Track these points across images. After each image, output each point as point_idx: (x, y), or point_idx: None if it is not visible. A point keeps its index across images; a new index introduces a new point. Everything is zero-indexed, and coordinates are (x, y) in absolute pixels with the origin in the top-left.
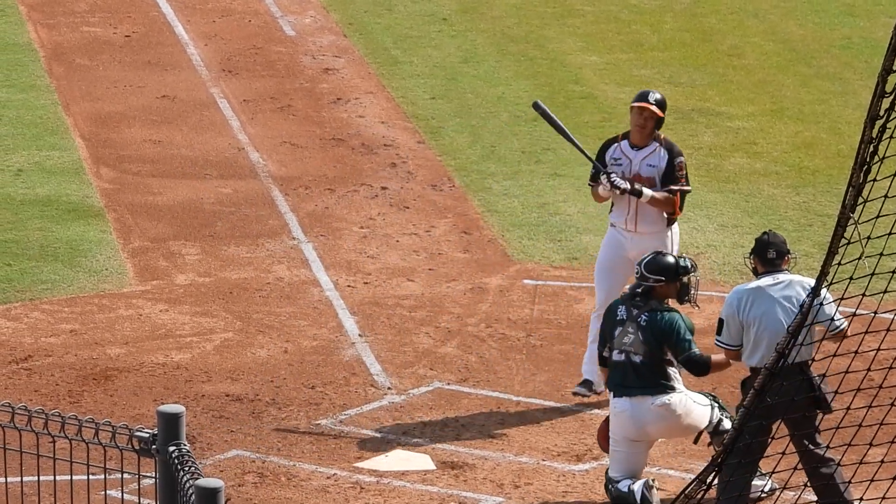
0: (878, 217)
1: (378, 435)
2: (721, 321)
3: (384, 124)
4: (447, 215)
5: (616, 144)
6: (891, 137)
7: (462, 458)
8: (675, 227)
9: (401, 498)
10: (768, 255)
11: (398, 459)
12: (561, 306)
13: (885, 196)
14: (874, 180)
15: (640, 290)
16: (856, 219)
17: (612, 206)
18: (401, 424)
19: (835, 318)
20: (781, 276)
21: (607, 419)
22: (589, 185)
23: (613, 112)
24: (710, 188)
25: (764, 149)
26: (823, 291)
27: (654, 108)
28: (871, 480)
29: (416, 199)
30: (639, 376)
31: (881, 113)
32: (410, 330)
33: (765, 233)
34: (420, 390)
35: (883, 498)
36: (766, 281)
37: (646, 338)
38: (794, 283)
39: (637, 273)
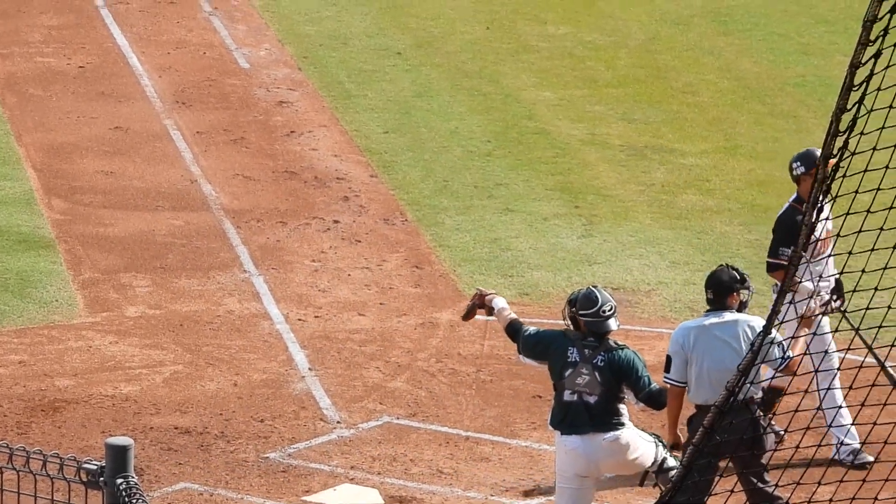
0: (829, 256)
1: (327, 469)
2: (669, 358)
3: (337, 158)
4: (399, 249)
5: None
6: (844, 176)
7: (410, 493)
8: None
9: None
10: (707, 294)
11: (346, 493)
12: (511, 342)
13: (838, 235)
14: (827, 219)
15: (595, 332)
16: (808, 258)
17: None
18: (350, 458)
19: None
20: (727, 315)
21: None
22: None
23: (567, 148)
24: (662, 225)
25: (717, 186)
26: (774, 330)
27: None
28: None
29: (368, 232)
30: (591, 416)
31: (834, 151)
32: (360, 364)
33: (721, 267)
34: (369, 424)
35: None
36: (710, 319)
37: (604, 378)
38: (739, 321)
39: (596, 316)
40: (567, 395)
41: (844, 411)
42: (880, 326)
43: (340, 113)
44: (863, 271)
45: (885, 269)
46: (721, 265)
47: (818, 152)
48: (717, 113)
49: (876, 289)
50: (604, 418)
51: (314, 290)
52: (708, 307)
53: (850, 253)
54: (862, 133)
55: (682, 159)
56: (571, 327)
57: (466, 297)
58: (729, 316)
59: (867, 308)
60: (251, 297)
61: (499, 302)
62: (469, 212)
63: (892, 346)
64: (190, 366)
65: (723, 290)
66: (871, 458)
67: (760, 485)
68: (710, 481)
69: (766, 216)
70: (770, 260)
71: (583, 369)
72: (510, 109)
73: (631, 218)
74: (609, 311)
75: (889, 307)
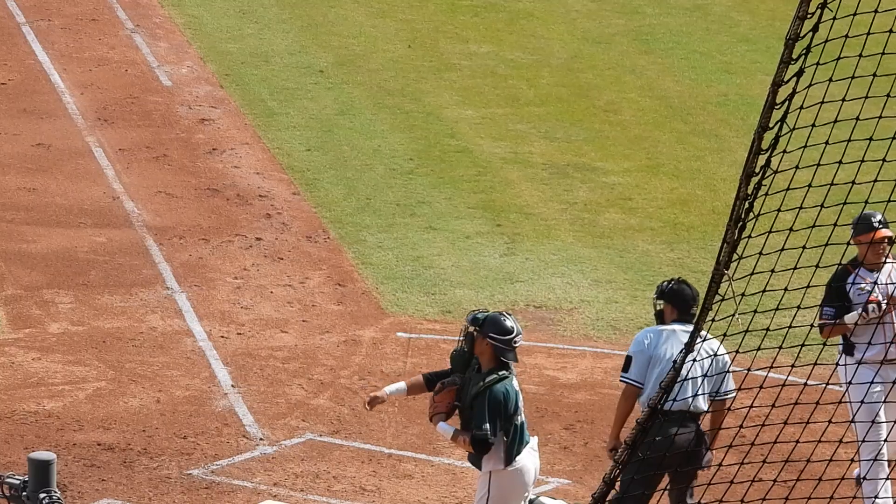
0: (752, 274)
1: (249, 485)
2: (629, 358)
3: (259, 175)
4: (321, 267)
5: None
6: (766, 195)
7: None
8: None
9: None
10: (666, 307)
11: None
12: (434, 359)
13: (760, 253)
14: (749, 237)
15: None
16: (730, 275)
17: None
18: (272, 475)
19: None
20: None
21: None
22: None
23: (489, 166)
24: (584, 243)
25: (639, 204)
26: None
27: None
28: None
29: (290, 250)
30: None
31: (757, 170)
32: (283, 381)
33: (684, 282)
34: (292, 441)
35: None
36: (679, 327)
37: None
38: (707, 339)
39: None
40: (521, 419)
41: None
42: (802, 345)
43: (263, 131)
44: (785, 290)
45: (807, 287)
46: (678, 279)
47: (877, 217)
48: (639, 131)
49: (798, 307)
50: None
51: (237, 307)
52: (676, 317)
53: (772, 271)
54: (784, 151)
55: (604, 178)
56: (466, 345)
57: (390, 315)
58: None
59: (790, 326)
60: (174, 314)
61: (391, 388)
62: (391, 230)
63: (815, 364)
64: (113, 382)
65: (690, 302)
66: None
67: (689, 501)
68: (649, 495)
69: (689, 234)
70: (819, 323)
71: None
72: (432, 128)
73: (553, 236)
74: (519, 342)
75: (812, 325)
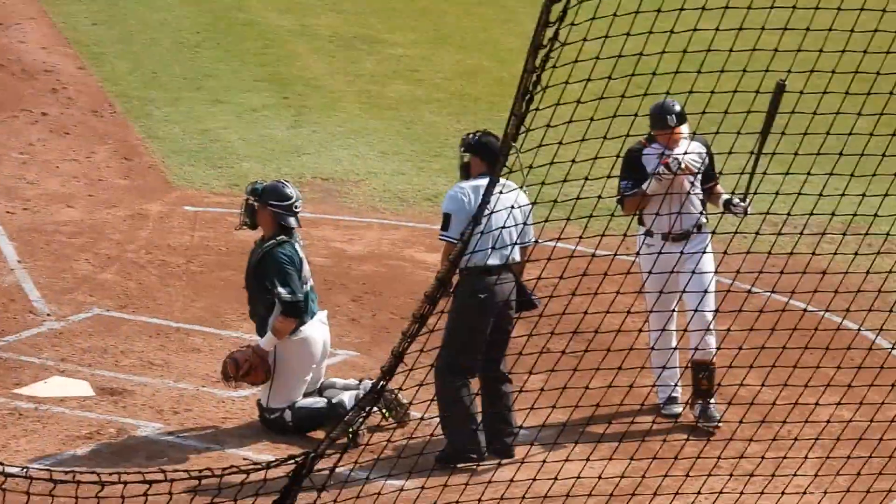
0: (540, 146)
1: (37, 361)
2: (448, 216)
3: (45, 50)
4: (108, 141)
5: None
6: (554, 67)
7: (121, 385)
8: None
9: (59, 424)
10: (473, 159)
11: (57, 386)
12: (221, 233)
13: (548, 125)
14: (537, 109)
15: (296, 219)
16: (518, 147)
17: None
18: (60, 351)
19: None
20: (506, 181)
21: (253, 350)
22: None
23: (275, 39)
24: (371, 115)
25: (426, 76)
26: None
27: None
28: (532, 408)
29: (76, 125)
30: (314, 298)
31: (545, 42)
32: (70, 256)
33: (491, 134)
34: (79, 317)
35: (543, 426)
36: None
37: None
38: (516, 189)
39: (297, 207)
40: (308, 287)
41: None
42: (591, 216)
43: (48, 5)
44: (573, 161)
45: (595, 158)
46: (484, 130)
47: (675, 109)
48: (425, 3)
49: (587, 178)
50: (316, 298)
51: (22, 182)
52: (482, 170)
53: (560, 143)
54: (573, 24)
55: (390, 50)
56: (247, 217)
57: (176, 189)
58: (507, 182)
59: (578, 197)
60: None
61: (265, 342)
62: (178, 103)
63: (602, 235)
64: None
65: (494, 155)
66: (679, 410)
67: (499, 355)
68: (478, 342)
69: (476, 106)
70: (617, 197)
71: (304, 257)
72: (219, 0)
73: (340, 108)
74: (300, 207)
75: (600, 196)
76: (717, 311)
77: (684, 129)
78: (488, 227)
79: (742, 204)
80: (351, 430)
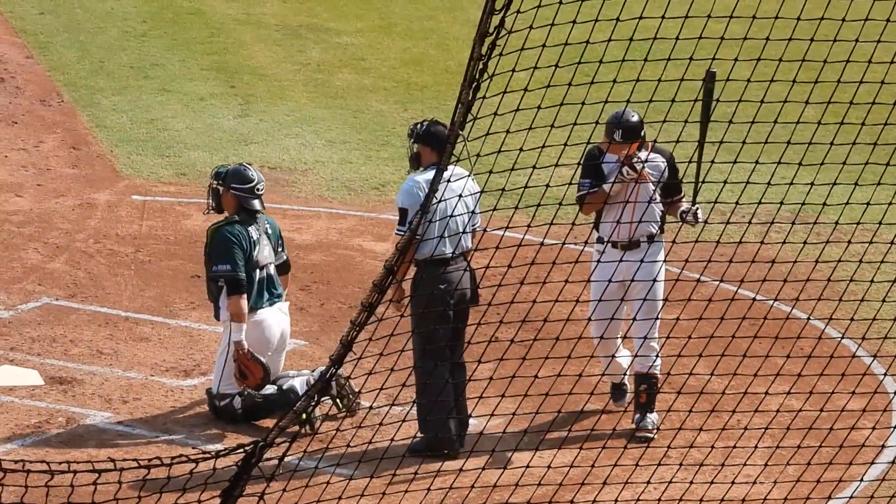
0: (487, 134)
1: None
2: (404, 210)
3: None
4: (56, 130)
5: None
6: (501, 55)
7: (71, 374)
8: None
9: (9, 413)
10: (422, 150)
11: (6, 375)
12: (170, 222)
13: (495, 114)
14: (484, 97)
15: (259, 202)
16: (465, 136)
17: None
18: (9, 340)
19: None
20: (456, 169)
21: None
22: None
23: (221, 28)
24: (318, 104)
25: (372, 65)
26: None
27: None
28: (481, 397)
29: (24, 114)
30: (275, 285)
31: (491, 30)
32: (18, 245)
33: (438, 122)
34: (28, 306)
35: (492, 415)
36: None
37: (274, 243)
38: (466, 176)
39: (259, 190)
40: (258, 274)
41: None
42: (539, 204)
43: None
44: (520, 149)
45: (542, 147)
46: (431, 119)
47: (631, 119)
48: None
49: (534, 167)
50: (279, 286)
51: None
52: (417, 164)
53: (507, 131)
54: (519, 11)
55: (337, 38)
56: (213, 201)
57: (124, 178)
58: (457, 169)
59: (526, 186)
60: None
61: (232, 334)
62: (125, 92)
63: (550, 223)
64: None
65: (444, 144)
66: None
67: (461, 344)
68: (445, 332)
69: (422, 94)
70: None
71: (263, 241)
72: None
73: (287, 97)
74: (262, 189)
75: (547, 185)
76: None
77: (636, 147)
78: (442, 216)
79: (693, 208)
80: (303, 417)
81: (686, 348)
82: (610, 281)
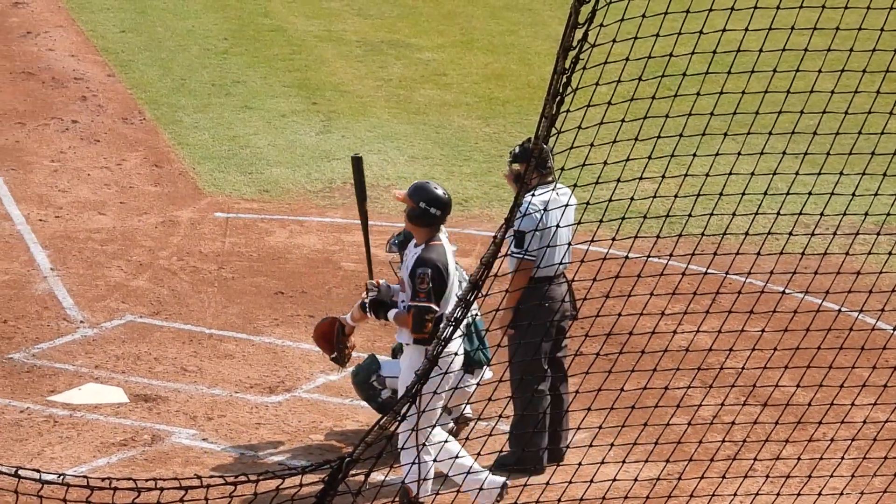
0: (571, 148)
1: (71, 368)
2: (522, 234)
3: (74, 58)
4: (138, 148)
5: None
6: (584, 69)
7: (155, 391)
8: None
9: (94, 431)
10: (525, 167)
11: (91, 393)
12: (252, 238)
13: (579, 127)
14: (567, 111)
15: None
16: (550, 150)
17: None
18: (93, 358)
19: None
20: (561, 188)
21: (332, 321)
22: None
23: (303, 45)
24: (400, 120)
25: (454, 80)
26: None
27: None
28: (566, 411)
29: (106, 132)
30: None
31: (574, 44)
32: (102, 263)
33: (531, 140)
34: (112, 323)
35: (578, 429)
36: (549, 191)
37: None
38: (568, 191)
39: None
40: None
41: None
42: (623, 218)
43: (76, 13)
44: (605, 163)
45: (626, 160)
46: (530, 139)
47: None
48: (452, 7)
49: (618, 181)
50: None
51: (54, 190)
52: (519, 184)
53: (591, 145)
54: (602, 25)
55: (418, 54)
56: (428, 222)
57: (207, 195)
58: (562, 188)
59: (610, 199)
60: None
61: (350, 317)
62: (207, 109)
63: (635, 237)
64: None
65: (549, 162)
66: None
67: (562, 356)
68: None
69: (504, 109)
70: None
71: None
72: (246, 7)
73: (369, 113)
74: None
75: (632, 198)
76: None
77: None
78: (555, 238)
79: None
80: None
81: (771, 361)
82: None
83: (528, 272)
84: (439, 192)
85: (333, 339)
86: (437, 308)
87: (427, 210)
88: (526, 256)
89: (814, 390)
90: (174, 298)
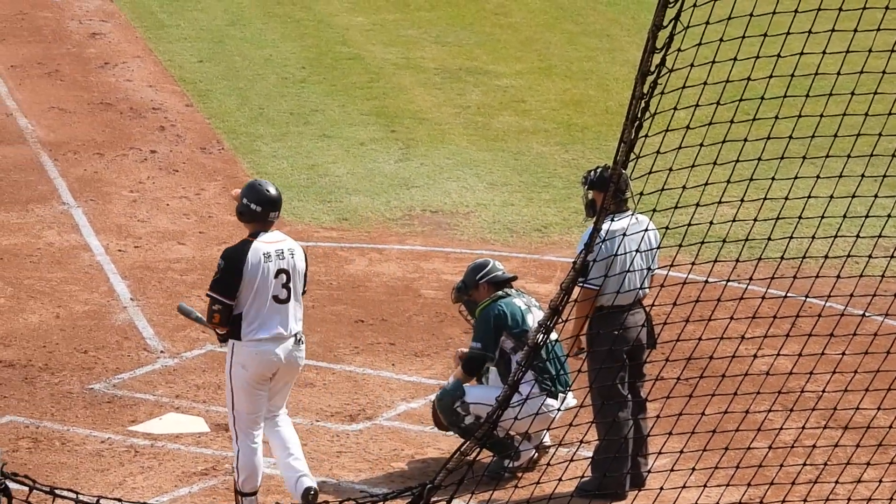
0: (650, 173)
1: (152, 398)
2: (590, 262)
3: (152, 88)
4: (217, 178)
5: None
6: (662, 93)
7: None
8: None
9: (175, 461)
10: (599, 197)
11: (172, 422)
12: (332, 267)
13: (657, 152)
14: (646, 136)
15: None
16: (628, 175)
17: None
18: (174, 388)
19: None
20: (639, 217)
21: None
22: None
23: (381, 73)
24: (478, 147)
25: (532, 106)
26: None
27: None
28: (647, 435)
29: (185, 162)
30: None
31: (652, 69)
32: (182, 293)
33: (608, 167)
34: (193, 353)
35: (659, 453)
36: (622, 220)
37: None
38: (647, 222)
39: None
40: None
41: None
42: (702, 242)
43: (154, 43)
44: (683, 188)
45: (705, 185)
46: (604, 166)
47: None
48: (529, 33)
49: (697, 205)
50: None
51: (133, 220)
52: (593, 211)
53: (670, 170)
54: (679, 50)
55: (496, 81)
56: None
57: (286, 224)
58: (639, 217)
59: (689, 224)
60: (70, 229)
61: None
62: (285, 138)
63: (714, 261)
64: (11, 299)
65: (624, 189)
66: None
67: (639, 384)
68: (621, 377)
69: (583, 135)
70: None
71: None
72: (323, 35)
73: (447, 141)
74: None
75: (711, 223)
76: None
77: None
78: (622, 268)
79: None
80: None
81: (852, 384)
82: None
83: (590, 301)
84: (267, 188)
85: None
86: (223, 300)
87: (249, 206)
88: (586, 285)
89: (895, 413)
90: None
